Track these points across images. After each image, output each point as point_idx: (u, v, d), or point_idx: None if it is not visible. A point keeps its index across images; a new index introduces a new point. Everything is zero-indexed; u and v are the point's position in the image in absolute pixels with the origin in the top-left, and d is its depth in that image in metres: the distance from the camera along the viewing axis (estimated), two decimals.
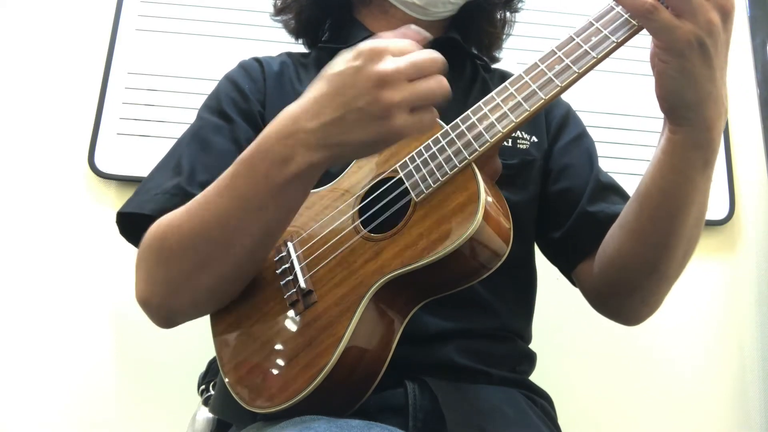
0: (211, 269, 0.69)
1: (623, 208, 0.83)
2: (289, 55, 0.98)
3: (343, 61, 0.59)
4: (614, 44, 0.62)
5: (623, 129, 1.43)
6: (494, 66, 1.04)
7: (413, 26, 0.62)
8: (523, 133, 0.89)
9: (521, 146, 0.88)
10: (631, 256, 0.76)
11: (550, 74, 0.64)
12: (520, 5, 1.05)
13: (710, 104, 0.61)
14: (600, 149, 0.95)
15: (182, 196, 0.76)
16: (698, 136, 0.64)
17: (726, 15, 0.59)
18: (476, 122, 0.67)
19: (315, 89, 0.60)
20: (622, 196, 0.89)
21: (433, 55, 0.59)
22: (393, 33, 0.61)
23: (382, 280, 0.65)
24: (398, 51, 0.58)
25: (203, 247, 0.68)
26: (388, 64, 0.57)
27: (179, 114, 1.34)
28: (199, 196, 0.70)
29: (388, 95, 0.56)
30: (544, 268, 0.92)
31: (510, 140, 0.87)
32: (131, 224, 0.80)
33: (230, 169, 0.67)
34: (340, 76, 0.58)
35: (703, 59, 0.59)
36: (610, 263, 0.79)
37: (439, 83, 0.58)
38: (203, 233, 0.68)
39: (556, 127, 0.93)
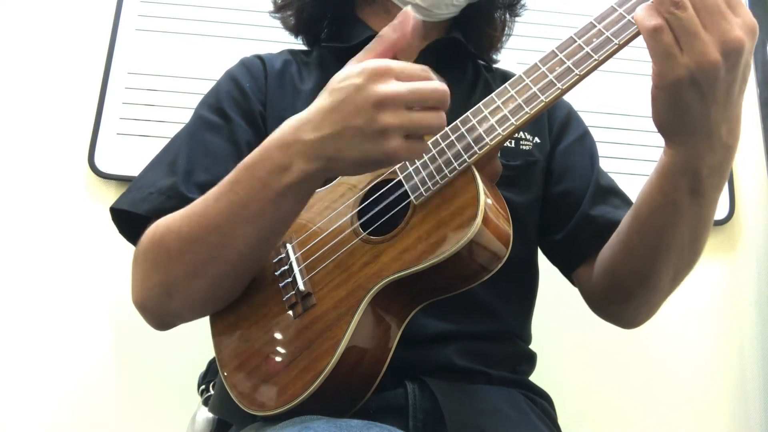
0: (206, 273, 0.69)
1: (624, 213, 0.83)
2: (291, 52, 0.97)
3: (346, 76, 0.59)
4: (616, 46, 0.61)
5: (624, 129, 1.43)
6: (495, 66, 1.03)
7: (410, 10, 0.61)
8: (526, 134, 0.88)
9: (524, 147, 0.87)
10: (622, 265, 0.76)
11: (551, 76, 0.63)
12: (521, 9, 1.04)
13: (701, 138, 0.60)
14: (600, 149, 0.95)
15: (178, 198, 0.76)
16: (685, 164, 0.62)
17: (730, 56, 0.55)
18: (476, 125, 0.66)
19: (319, 101, 0.61)
20: (623, 199, 0.89)
21: (437, 85, 0.58)
22: (392, 27, 0.61)
23: (380, 284, 0.64)
24: (404, 75, 0.58)
25: (199, 252, 0.68)
26: (389, 87, 0.56)
27: (179, 114, 1.33)
28: (199, 201, 0.70)
29: (385, 118, 0.56)
30: (545, 267, 0.92)
31: (513, 141, 0.87)
32: (126, 221, 0.81)
33: (231, 174, 0.67)
34: (341, 92, 0.58)
35: (694, 95, 0.56)
36: (605, 270, 0.80)
37: (438, 117, 0.59)
38: (200, 237, 0.68)
39: (558, 128, 0.93)
